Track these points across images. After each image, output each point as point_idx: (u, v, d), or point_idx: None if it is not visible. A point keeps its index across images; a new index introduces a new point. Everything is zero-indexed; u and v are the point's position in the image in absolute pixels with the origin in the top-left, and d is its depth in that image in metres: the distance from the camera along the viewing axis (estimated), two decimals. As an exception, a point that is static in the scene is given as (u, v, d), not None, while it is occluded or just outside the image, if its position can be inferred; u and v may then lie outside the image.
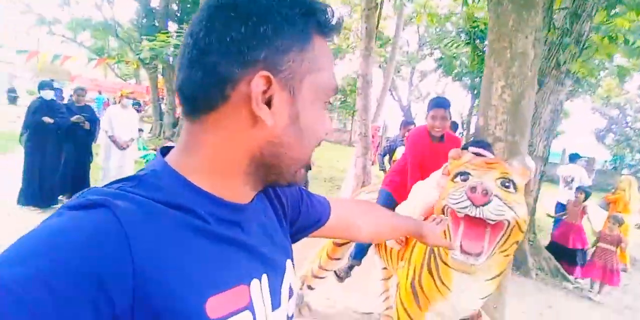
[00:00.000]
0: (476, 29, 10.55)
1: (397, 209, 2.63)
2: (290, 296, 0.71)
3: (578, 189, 6.25)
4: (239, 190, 0.63)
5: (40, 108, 5.47)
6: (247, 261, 0.61)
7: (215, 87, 0.55)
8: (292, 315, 0.74)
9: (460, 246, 1.80)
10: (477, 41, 11.43)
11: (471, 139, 2.66)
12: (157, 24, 14.69)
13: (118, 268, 0.46)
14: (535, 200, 6.20)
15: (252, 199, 0.66)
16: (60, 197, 5.70)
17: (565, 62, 5.46)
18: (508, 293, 3.05)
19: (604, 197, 7.28)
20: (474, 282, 1.92)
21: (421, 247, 2.23)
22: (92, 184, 6.09)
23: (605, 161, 28.56)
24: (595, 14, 5.38)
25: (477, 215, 1.69)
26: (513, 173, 1.87)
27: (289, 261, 0.73)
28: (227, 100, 0.56)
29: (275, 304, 0.66)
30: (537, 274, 5.51)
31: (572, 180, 7.19)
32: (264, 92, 0.55)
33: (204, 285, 0.53)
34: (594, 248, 5.43)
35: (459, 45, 11.64)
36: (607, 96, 23.31)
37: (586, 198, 6.03)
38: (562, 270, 5.70)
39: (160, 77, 15.89)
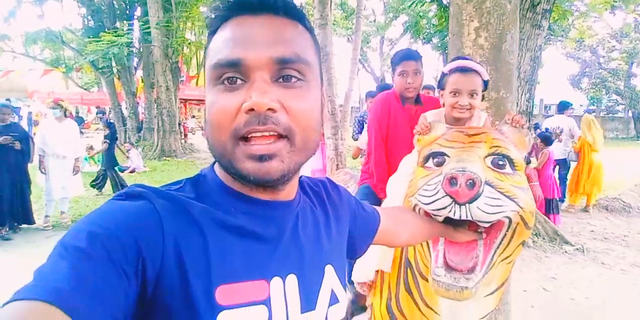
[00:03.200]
0: (439, -16, 9.91)
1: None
2: (332, 303, 0.70)
3: (538, 135, 5.84)
4: (255, 189, 0.64)
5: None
6: (271, 258, 0.63)
7: None
8: None
9: (444, 260, 1.22)
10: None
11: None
12: (104, 24, 13.76)
13: (152, 239, 0.54)
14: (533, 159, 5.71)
15: (293, 197, 0.71)
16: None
17: (540, 2, 4.84)
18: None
19: (572, 148, 6.97)
20: (469, 301, 1.34)
21: (394, 256, 1.65)
22: (35, 209, 5.43)
23: (581, 105, 28.54)
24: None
25: (464, 217, 1.11)
26: (506, 144, 1.28)
27: (329, 266, 0.72)
28: None
29: (308, 306, 0.66)
30: (534, 241, 4.95)
31: (562, 131, 6.68)
32: None
33: (217, 273, 0.56)
34: None
35: (423, 4, 10.98)
36: (580, 39, 22.78)
37: (546, 142, 5.79)
38: (559, 232, 5.18)
39: (116, 80, 14.92)
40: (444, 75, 1.78)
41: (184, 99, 16.23)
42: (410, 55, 2.32)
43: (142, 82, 15.18)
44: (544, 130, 6.79)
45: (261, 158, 0.58)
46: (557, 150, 6.80)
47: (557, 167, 6.95)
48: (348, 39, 20.78)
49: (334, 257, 0.75)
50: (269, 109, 0.57)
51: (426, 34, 13.98)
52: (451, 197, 1.10)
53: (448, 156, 1.26)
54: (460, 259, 1.22)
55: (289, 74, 0.60)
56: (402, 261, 1.57)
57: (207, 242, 0.57)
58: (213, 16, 0.63)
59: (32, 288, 0.46)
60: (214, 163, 0.68)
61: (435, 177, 1.20)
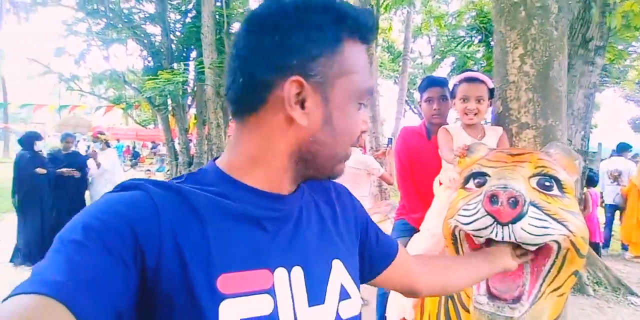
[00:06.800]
0: (487, 25, 9.93)
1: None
2: (343, 298, 0.69)
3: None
4: (277, 183, 0.68)
5: (30, 161, 5.15)
6: (275, 248, 0.63)
7: (255, 91, 0.63)
8: (350, 319, 0.69)
9: (487, 288, 1.14)
10: (490, 38, 10.78)
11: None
12: (162, 65, 14.66)
13: (148, 226, 0.54)
14: (580, 202, 5.41)
15: (294, 191, 0.72)
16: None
17: (593, 38, 4.73)
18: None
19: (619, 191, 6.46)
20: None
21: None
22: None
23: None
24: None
25: (507, 239, 1.04)
26: (554, 166, 1.21)
27: (337, 261, 0.71)
28: (266, 103, 0.63)
29: (316, 299, 0.65)
30: (594, 290, 4.62)
31: (620, 174, 6.30)
32: (298, 94, 0.61)
33: (218, 261, 0.57)
34: None
35: (470, 44, 11.00)
36: None
37: (589, 183, 5.54)
38: (623, 281, 4.77)
39: (171, 117, 15.69)
40: (454, 86, 1.97)
41: (233, 136, 16.74)
42: (435, 82, 2.31)
43: (195, 119, 15.87)
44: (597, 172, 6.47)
45: None
46: (611, 193, 6.42)
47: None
48: (395, 80, 21.05)
49: (343, 252, 0.74)
50: None
51: (474, 74, 13.97)
52: (492, 217, 1.04)
53: (489, 176, 1.21)
54: (505, 287, 1.13)
55: None
56: (442, 291, 1.48)
57: (207, 231, 0.58)
58: (340, 26, 0.63)
59: (30, 282, 0.46)
60: (215, 159, 0.71)
61: (476, 197, 1.14)
